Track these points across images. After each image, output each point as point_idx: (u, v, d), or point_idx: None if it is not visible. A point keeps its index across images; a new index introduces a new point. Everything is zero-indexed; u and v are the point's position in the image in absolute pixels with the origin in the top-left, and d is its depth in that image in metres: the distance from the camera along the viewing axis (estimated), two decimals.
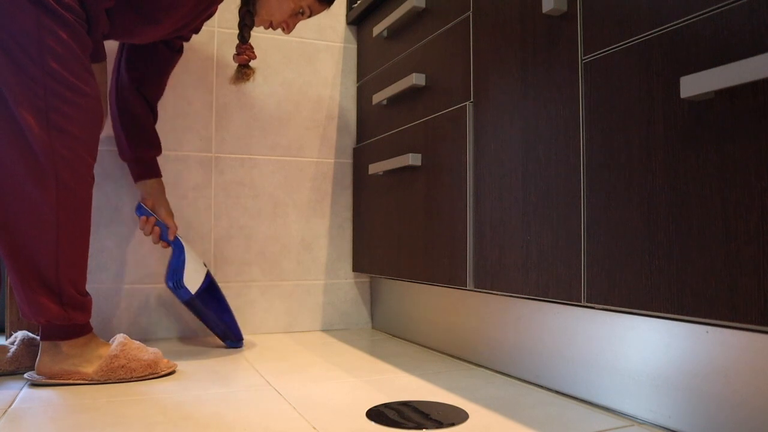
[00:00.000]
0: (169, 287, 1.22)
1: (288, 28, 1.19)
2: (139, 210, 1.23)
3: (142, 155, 1.24)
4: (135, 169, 1.25)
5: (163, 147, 1.39)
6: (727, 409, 0.65)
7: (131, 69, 1.20)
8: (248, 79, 1.20)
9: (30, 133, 0.87)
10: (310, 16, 1.19)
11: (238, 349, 1.27)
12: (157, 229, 1.22)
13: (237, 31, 1.20)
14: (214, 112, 1.45)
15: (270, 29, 1.19)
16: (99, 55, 1.05)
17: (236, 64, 1.23)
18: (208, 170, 1.43)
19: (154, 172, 1.26)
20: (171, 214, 1.25)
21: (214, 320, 1.27)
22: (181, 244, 1.23)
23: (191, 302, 1.23)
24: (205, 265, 1.26)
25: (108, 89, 1.22)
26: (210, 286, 1.25)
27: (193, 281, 1.21)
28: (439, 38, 1.15)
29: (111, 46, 1.24)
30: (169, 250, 1.28)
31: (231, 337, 1.28)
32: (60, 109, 0.89)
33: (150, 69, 1.21)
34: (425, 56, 1.20)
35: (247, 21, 1.13)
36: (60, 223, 0.90)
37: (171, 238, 1.22)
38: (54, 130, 0.89)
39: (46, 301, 0.91)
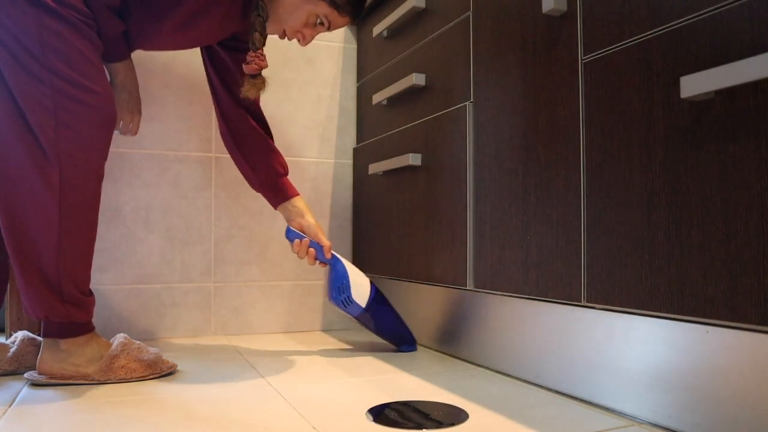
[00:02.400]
0: (336, 304, 1.19)
1: (304, 39, 1.09)
2: (289, 234, 1.18)
3: (270, 181, 1.20)
4: (269, 197, 1.21)
5: (163, 147, 1.39)
6: (727, 409, 0.65)
7: (232, 89, 1.15)
8: (260, 90, 1.09)
9: (38, 131, 0.88)
10: (330, 29, 1.09)
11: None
12: (311, 250, 1.16)
13: None
14: (215, 112, 1.45)
15: (285, 39, 1.09)
16: (115, 54, 1.03)
17: (247, 74, 1.09)
18: (208, 170, 1.43)
19: (290, 192, 1.20)
20: (322, 232, 1.19)
21: (385, 328, 1.25)
22: (340, 259, 1.19)
23: (362, 316, 1.21)
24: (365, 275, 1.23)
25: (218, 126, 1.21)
26: (376, 294, 1.22)
27: (361, 295, 1.19)
28: (439, 38, 1.15)
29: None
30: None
31: (405, 342, 1.26)
32: (68, 107, 0.89)
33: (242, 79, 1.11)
34: (425, 56, 1.20)
35: (257, 27, 1.04)
36: (63, 219, 0.90)
37: (328, 256, 1.18)
38: (62, 127, 0.89)
39: (46, 296, 0.91)
